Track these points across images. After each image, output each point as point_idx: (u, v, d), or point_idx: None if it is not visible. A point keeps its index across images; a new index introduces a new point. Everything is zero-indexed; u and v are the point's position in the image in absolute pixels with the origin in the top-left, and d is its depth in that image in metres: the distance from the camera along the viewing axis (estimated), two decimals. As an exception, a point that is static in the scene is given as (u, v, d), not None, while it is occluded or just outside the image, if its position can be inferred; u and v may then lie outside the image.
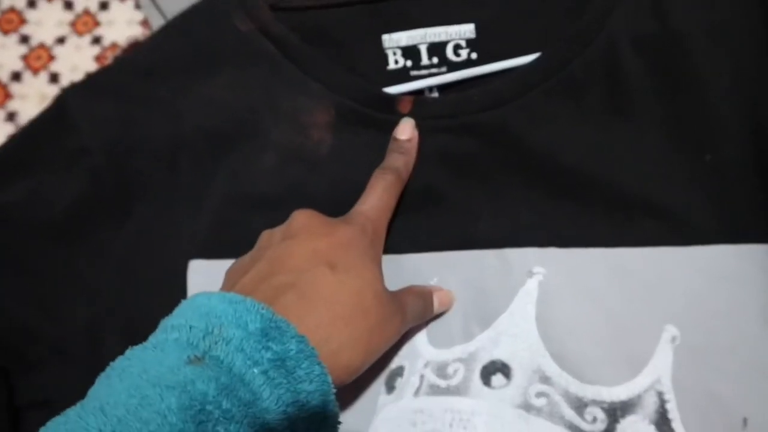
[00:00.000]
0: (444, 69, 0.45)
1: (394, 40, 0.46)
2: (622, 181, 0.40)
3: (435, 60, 0.45)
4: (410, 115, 0.43)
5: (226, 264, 0.41)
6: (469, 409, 0.37)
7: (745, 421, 0.35)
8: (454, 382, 0.38)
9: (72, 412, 0.27)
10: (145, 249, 0.44)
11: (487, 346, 0.39)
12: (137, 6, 0.57)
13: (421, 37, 0.45)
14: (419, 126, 0.43)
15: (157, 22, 0.56)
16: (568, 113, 0.42)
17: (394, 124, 0.43)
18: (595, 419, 0.36)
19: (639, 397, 0.36)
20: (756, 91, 0.40)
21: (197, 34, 0.47)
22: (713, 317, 0.37)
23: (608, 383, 0.37)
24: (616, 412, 0.36)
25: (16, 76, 0.56)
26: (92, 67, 0.56)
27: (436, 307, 0.40)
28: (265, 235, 0.38)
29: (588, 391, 0.37)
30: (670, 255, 0.39)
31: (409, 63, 0.46)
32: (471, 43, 0.45)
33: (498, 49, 0.45)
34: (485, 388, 0.38)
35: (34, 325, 0.44)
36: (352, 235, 0.36)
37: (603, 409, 0.36)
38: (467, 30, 0.45)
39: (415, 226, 0.42)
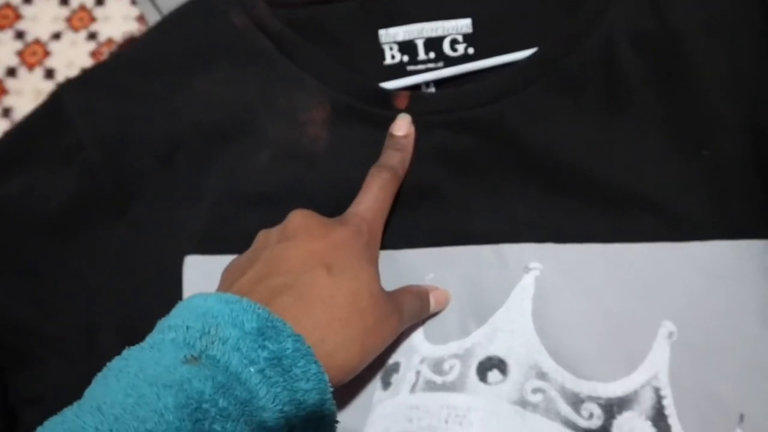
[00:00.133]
0: (441, 64, 0.45)
1: (390, 35, 0.46)
2: (620, 177, 0.40)
3: (432, 55, 0.46)
4: (407, 110, 0.43)
5: (221, 260, 0.41)
6: (465, 405, 0.37)
7: (741, 417, 0.36)
8: (450, 378, 0.38)
9: (69, 412, 0.27)
10: (140, 245, 0.44)
11: (484, 342, 0.39)
12: (133, 2, 0.57)
13: (418, 32, 0.45)
14: (416, 121, 0.43)
15: (153, 18, 0.56)
16: (565, 109, 0.42)
17: (391, 119, 0.43)
18: (591, 415, 0.36)
19: (635, 393, 0.36)
20: (753, 88, 0.40)
21: (193, 29, 0.47)
22: (710, 313, 0.37)
23: (605, 379, 0.37)
24: (612, 408, 0.36)
25: (12, 72, 0.56)
26: (88, 62, 0.56)
27: (433, 306, 0.40)
28: (262, 236, 0.38)
29: (584, 387, 0.37)
30: (667, 251, 0.39)
31: (405, 58, 0.46)
32: (468, 38, 0.45)
33: (495, 44, 0.45)
34: (481, 384, 0.38)
35: (29, 321, 0.44)
36: (348, 236, 0.36)
37: (599, 405, 0.36)
38: (464, 25, 0.45)
39: (411, 222, 0.42)
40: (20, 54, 0.57)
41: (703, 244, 0.38)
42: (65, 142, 0.46)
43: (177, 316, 0.31)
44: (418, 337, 0.40)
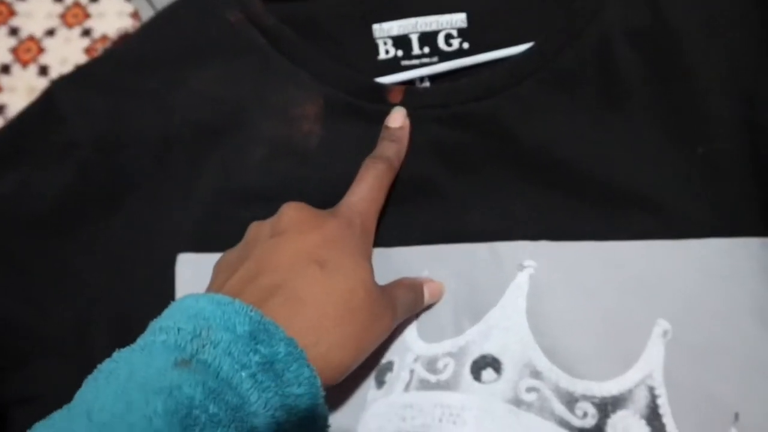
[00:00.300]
0: (435, 59, 0.45)
1: (384, 30, 0.45)
2: (615, 174, 0.40)
3: (426, 50, 0.45)
4: (401, 105, 0.43)
5: (214, 257, 0.41)
6: (459, 404, 0.37)
7: (736, 415, 0.35)
8: (444, 376, 0.38)
9: (58, 416, 0.27)
10: (134, 242, 0.44)
11: (478, 340, 0.39)
12: (127, -3, 0.57)
13: (412, 26, 0.45)
14: (410, 116, 0.43)
15: (148, 14, 0.56)
16: (560, 105, 0.42)
17: (385, 114, 0.43)
18: (585, 414, 0.36)
19: (630, 391, 0.36)
20: (750, 86, 0.40)
21: (187, 25, 0.47)
22: (705, 311, 0.37)
23: (599, 378, 0.37)
24: (606, 407, 0.36)
25: (5, 69, 0.56)
26: (82, 59, 0.56)
27: (427, 298, 0.40)
28: (254, 228, 0.38)
29: (578, 386, 0.37)
30: (662, 249, 0.39)
31: (399, 53, 0.46)
32: (462, 33, 0.45)
33: (490, 39, 0.44)
34: (475, 383, 0.38)
35: (21, 319, 0.44)
36: (341, 229, 0.36)
37: (593, 404, 0.36)
38: (459, 19, 0.45)
39: (405, 219, 0.42)
40: (14, 51, 0.57)
41: (699, 242, 0.38)
42: (58, 139, 0.46)
43: (169, 317, 0.31)
44: (412, 335, 0.40)
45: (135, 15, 0.57)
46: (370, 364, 0.40)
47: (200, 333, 0.30)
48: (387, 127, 0.42)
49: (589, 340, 0.37)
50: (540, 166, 0.41)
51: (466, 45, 0.45)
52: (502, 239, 0.40)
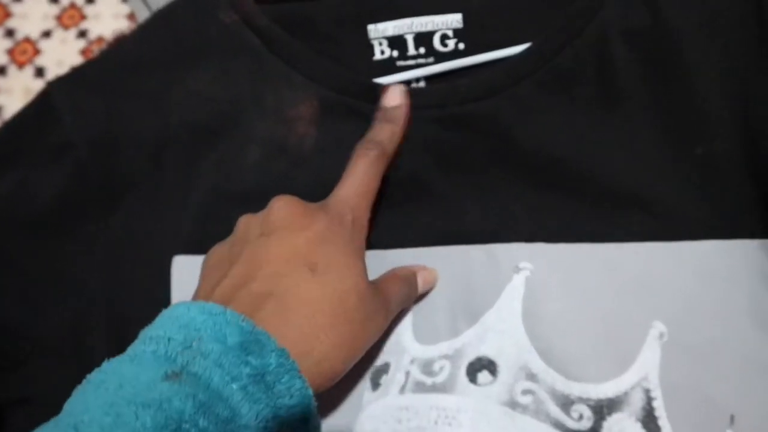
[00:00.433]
0: (431, 59, 0.45)
1: (380, 31, 0.45)
2: (612, 175, 0.40)
3: (422, 50, 0.45)
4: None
5: (198, 260, 0.41)
6: (455, 406, 0.37)
7: (732, 418, 0.35)
8: (439, 379, 0.38)
9: (46, 429, 0.27)
10: (130, 244, 0.44)
11: (474, 343, 0.39)
12: (123, -1, 0.57)
13: (408, 26, 0.45)
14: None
15: (143, 16, 0.56)
16: (558, 105, 0.42)
17: None
18: (581, 417, 0.36)
19: (626, 394, 0.36)
20: (747, 87, 0.40)
21: (182, 26, 0.47)
22: (702, 313, 0.37)
23: (595, 380, 0.37)
24: (602, 409, 0.36)
25: (1, 71, 0.57)
26: (78, 61, 0.56)
27: (421, 287, 0.39)
28: (243, 223, 0.37)
29: (574, 389, 0.36)
30: (659, 250, 0.38)
31: (395, 53, 0.46)
32: (458, 33, 0.45)
33: (486, 39, 0.44)
34: (471, 385, 0.38)
35: (17, 320, 0.44)
36: (333, 226, 0.35)
37: (589, 406, 0.36)
38: (454, 20, 0.45)
39: (401, 221, 0.42)
40: (10, 52, 0.57)
41: (695, 244, 0.38)
42: (54, 140, 0.46)
43: (159, 326, 0.31)
44: (407, 337, 0.40)
45: (131, 17, 0.57)
46: (365, 366, 0.40)
47: (191, 344, 0.29)
48: (383, 107, 0.40)
49: (585, 342, 0.37)
50: (537, 167, 0.41)
51: (461, 45, 0.45)
52: (498, 241, 0.40)
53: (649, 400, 0.36)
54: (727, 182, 0.39)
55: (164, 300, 0.43)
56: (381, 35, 0.45)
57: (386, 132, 0.40)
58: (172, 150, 0.45)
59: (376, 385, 0.39)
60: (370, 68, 0.45)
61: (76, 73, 0.48)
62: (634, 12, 0.42)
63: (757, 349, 0.36)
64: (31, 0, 0.58)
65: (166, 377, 0.28)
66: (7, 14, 0.58)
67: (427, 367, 0.39)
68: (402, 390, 0.38)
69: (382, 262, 0.41)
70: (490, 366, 0.38)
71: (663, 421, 0.36)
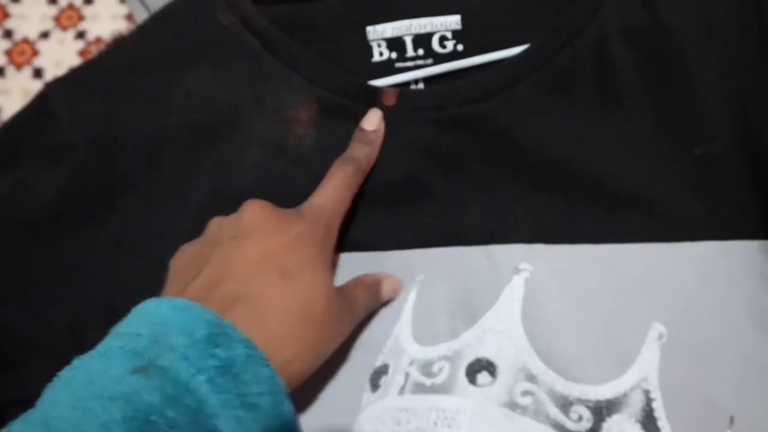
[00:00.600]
0: (430, 61, 0.45)
1: (378, 32, 0.45)
2: (611, 176, 0.40)
3: (420, 52, 0.45)
4: (395, 107, 0.43)
5: None
6: (454, 407, 0.37)
7: (731, 419, 0.35)
8: (439, 380, 0.38)
9: (16, 426, 0.28)
10: (129, 244, 0.44)
11: (473, 344, 0.38)
12: (121, 0, 0.57)
13: (406, 28, 0.45)
14: (405, 118, 0.42)
15: (142, 17, 0.55)
16: (556, 106, 0.42)
17: None
18: (580, 418, 0.36)
19: (625, 395, 0.36)
20: (747, 86, 0.39)
21: (181, 27, 0.47)
22: (701, 314, 0.37)
23: (594, 382, 0.36)
24: (601, 410, 0.36)
25: (0, 71, 0.56)
26: (76, 61, 0.56)
27: (387, 294, 0.40)
28: (215, 225, 0.37)
29: (573, 390, 0.36)
30: (658, 252, 0.38)
31: (394, 55, 0.45)
32: (457, 35, 0.45)
33: (484, 40, 0.44)
34: (470, 387, 0.37)
35: (16, 321, 0.44)
36: (304, 233, 0.36)
37: (588, 407, 0.36)
38: (453, 21, 0.44)
39: (400, 222, 0.42)
40: (8, 53, 0.56)
41: (694, 245, 0.38)
42: (53, 141, 0.46)
43: (128, 322, 0.31)
44: (406, 338, 0.40)
45: (129, 17, 0.56)
46: (365, 368, 0.39)
47: (158, 339, 0.30)
48: (361, 129, 0.42)
49: (585, 343, 0.37)
50: (537, 167, 0.41)
51: (460, 47, 0.45)
52: (497, 242, 0.40)
53: (648, 401, 0.36)
54: (727, 183, 0.39)
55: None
56: (380, 37, 0.45)
57: (363, 151, 0.41)
58: (171, 150, 0.45)
59: (375, 386, 0.39)
60: (368, 70, 0.45)
61: (74, 74, 0.48)
62: (633, 12, 0.42)
63: (756, 349, 0.36)
64: (29, 1, 0.57)
65: (134, 371, 0.28)
66: (6, 15, 0.57)
67: (426, 369, 0.38)
68: (401, 391, 0.38)
69: (382, 263, 0.41)
70: (489, 367, 0.37)
71: (662, 422, 0.35)
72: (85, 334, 0.43)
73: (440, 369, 0.38)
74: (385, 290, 0.40)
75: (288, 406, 0.31)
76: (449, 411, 0.37)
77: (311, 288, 0.34)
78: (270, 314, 0.33)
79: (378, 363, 0.40)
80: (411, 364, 0.39)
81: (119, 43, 0.49)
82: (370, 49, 0.45)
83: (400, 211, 0.42)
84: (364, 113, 0.43)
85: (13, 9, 0.57)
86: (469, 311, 0.39)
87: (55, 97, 0.46)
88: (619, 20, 0.42)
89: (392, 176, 0.42)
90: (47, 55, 0.56)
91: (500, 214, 0.41)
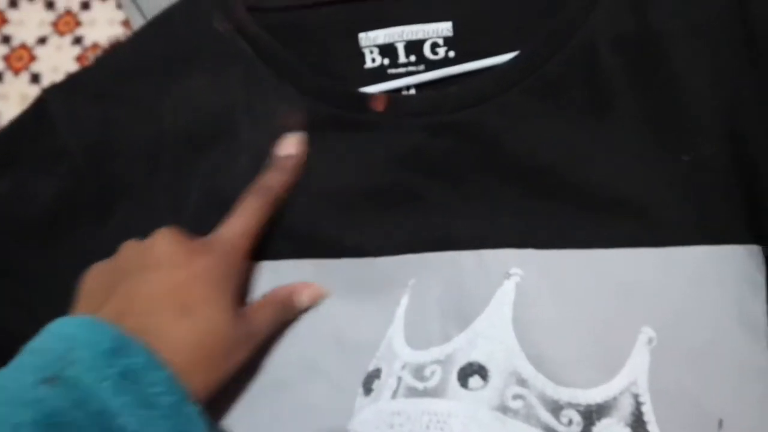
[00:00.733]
0: (422, 67, 0.45)
1: (370, 39, 0.45)
2: (600, 182, 0.39)
3: (412, 58, 0.45)
4: (385, 112, 0.42)
5: None
6: (446, 411, 0.37)
7: (720, 422, 0.35)
8: (431, 384, 0.38)
9: None
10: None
11: (464, 348, 0.38)
12: (118, 6, 0.56)
13: (398, 35, 0.44)
14: (396, 124, 0.42)
15: (138, 22, 0.55)
16: (546, 112, 0.41)
17: (368, 123, 0.42)
18: (570, 422, 0.35)
19: (615, 399, 0.36)
20: (735, 92, 0.39)
21: (177, 35, 0.46)
22: (691, 319, 0.37)
23: (584, 386, 0.36)
24: (591, 414, 0.35)
25: (-3, 77, 0.56)
26: (73, 67, 0.55)
27: (305, 303, 0.40)
28: (126, 249, 0.39)
29: (563, 394, 0.36)
30: (647, 256, 0.38)
31: (386, 61, 0.45)
32: (448, 41, 0.44)
33: (476, 47, 0.44)
34: (462, 390, 0.37)
35: (12, 323, 0.44)
36: (208, 267, 0.37)
37: (579, 411, 0.36)
38: (444, 28, 0.44)
39: (391, 227, 0.41)
40: (6, 58, 0.56)
41: (683, 250, 0.38)
42: (50, 146, 0.46)
43: (40, 339, 0.34)
44: (399, 342, 0.39)
45: (126, 23, 0.56)
46: (358, 372, 0.39)
47: (65, 353, 0.32)
48: (276, 156, 0.42)
49: (574, 347, 0.37)
50: (527, 174, 0.40)
51: (452, 54, 0.44)
52: (488, 247, 0.39)
53: (638, 405, 0.35)
54: (715, 188, 0.38)
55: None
56: (372, 43, 0.45)
57: (276, 179, 0.41)
58: (166, 157, 0.45)
59: (368, 390, 0.39)
60: (361, 76, 0.45)
61: (71, 80, 0.48)
62: (622, 19, 0.41)
63: (745, 354, 0.36)
64: (27, 6, 0.57)
65: (43, 381, 0.31)
66: (3, 21, 0.57)
67: (418, 373, 0.38)
68: (394, 395, 0.38)
69: (372, 269, 0.40)
70: (480, 371, 0.37)
71: (652, 426, 0.35)
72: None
73: (432, 373, 0.38)
74: (302, 300, 0.40)
75: (191, 407, 0.33)
76: (441, 414, 0.37)
77: (208, 322, 0.36)
78: (167, 349, 0.34)
79: (371, 367, 0.39)
80: (403, 368, 0.38)
81: (116, 49, 0.49)
82: (362, 55, 0.45)
83: (392, 216, 0.41)
84: (353, 120, 0.43)
85: (10, 15, 0.57)
86: (460, 315, 0.39)
87: (53, 103, 0.46)
88: (608, 27, 0.41)
89: (383, 181, 0.42)
90: (45, 60, 0.56)
91: (491, 220, 0.40)
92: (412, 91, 0.45)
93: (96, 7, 0.57)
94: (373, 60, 0.45)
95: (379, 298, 0.40)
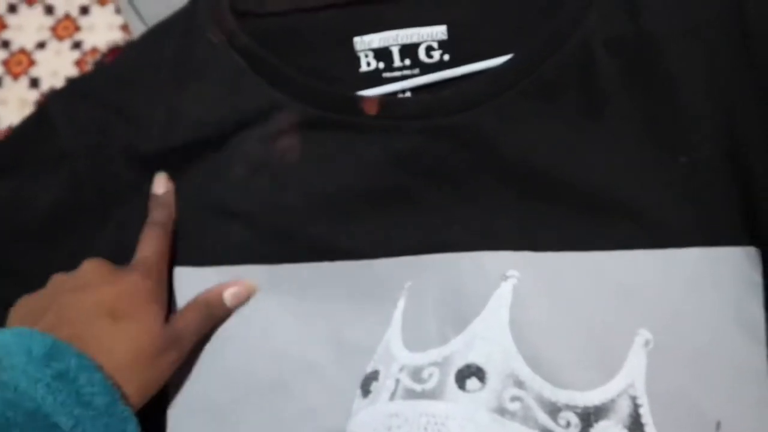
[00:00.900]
0: (416, 71, 0.44)
1: (365, 43, 0.44)
2: (597, 184, 0.39)
3: (407, 62, 0.44)
4: (378, 116, 0.42)
5: (200, 271, 0.42)
6: (444, 413, 0.36)
7: (718, 424, 0.34)
8: (429, 386, 0.37)
9: None
10: (122, 254, 0.43)
11: (462, 350, 0.37)
12: (117, 11, 0.56)
13: (393, 38, 0.44)
14: (390, 127, 0.41)
15: (137, 27, 0.54)
16: (541, 115, 0.40)
17: (362, 125, 0.42)
18: (568, 424, 0.35)
19: (612, 401, 0.35)
20: (731, 93, 0.38)
21: (174, 45, 0.46)
22: (688, 321, 0.36)
23: (581, 388, 0.35)
24: (589, 416, 0.35)
25: (-3, 82, 0.55)
26: (72, 72, 0.55)
27: (233, 301, 0.41)
28: (57, 280, 0.40)
29: (561, 396, 0.35)
30: (644, 258, 0.37)
31: (381, 65, 0.44)
32: (443, 45, 0.44)
33: (470, 50, 0.43)
34: (460, 392, 0.36)
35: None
36: (136, 280, 0.39)
37: (576, 413, 0.35)
38: (439, 31, 0.44)
39: (387, 230, 0.41)
40: (5, 63, 0.55)
41: (680, 252, 0.37)
42: (51, 150, 0.46)
43: None
44: (396, 344, 0.39)
45: (125, 28, 0.55)
46: (356, 374, 0.39)
47: (1, 360, 0.33)
48: (153, 195, 0.44)
49: (572, 350, 0.36)
50: (522, 176, 0.40)
51: (446, 57, 0.44)
52: (485, 249, 0.39)
53: (635, 407, 0.35)
54: (712, 189, 0.38)
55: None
56: (367, 47, 0.44)
57: (163, 214, 0.43)
58: (162, 165, 0.44)
59: (366, 392, 0.38)
60: (356, 80, 0.44)
61: (72, 86, 0.48)
62: (617, 21, 0.41)
63: (742, 355, 0.35)
64: (26, 11, 0.56)
65: None
66: (3, 25, 0.56)
67: (416, 374, 0.37)
68: (392, 397, 0.37)
69: (369, 271, 0.40)
70: (478, 373, 0.37)
71: (649, 428, 0.34)
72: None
73: (430, 375, 0.37)
74: (228, 298, 0.41)
75: (123, 407, 0.34)
76: (439, 416, 0.36)
77: (138, 328, 0.37)
78: (100, 352, 0.35)
79: (369, 369, 0.39)
80: (401, 370, 0.38)
81: (116, 57, 0.49)
82: (357, 59, 0.44)
83: (387, 219, 0.41)
84: (345, 123, 0.42)
85: (9, 20, 0.56)
86: (458, 317, 0.38)
87: (54, 109, 0.46)
88: (603, 29, 0.41)
89: (379, 185, 0.41)
90: (44, 65, 0.55)
91: (487, 222, 0.40)
92: (408, 95, 0.44)
93: (95, 12, 0.56)
94: (368, 64, 0.44)
95: (376, 301, 0.40)
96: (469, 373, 0.37)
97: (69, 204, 0.45)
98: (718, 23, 0.39)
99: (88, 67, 0.54)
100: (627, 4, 0.41)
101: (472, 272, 0.39)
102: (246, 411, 0.39)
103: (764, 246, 0.37)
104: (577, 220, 0.38)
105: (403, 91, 0.44)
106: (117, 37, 0.55)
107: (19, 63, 0.55)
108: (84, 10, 0.56)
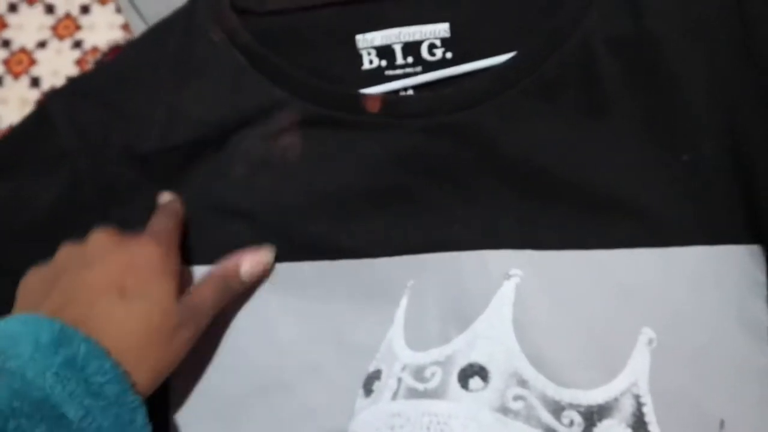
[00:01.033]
0: (419, 68, 0.43)
1: (368, 40, 0.44)
2: (599, 183, 0.38)
3: (410, 59, 0.43)
4: (380, 114, 0.41)
5: (201, 270, 0.41)
6: (447, 412, 0.36)
7: (722, 423, 0.34)
8: (431, 385, 0.36)
9: None
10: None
11: (464, 349, 0.37)
12: (118, 10, 0.55)
13: (396, 36, 0.43)
14: (393, 125, 0.41)
15: (138, 26, 0.54)
16: (543, 113, 0.40)
17: (364, 123, 0.41)
18: (572, 423, 0.34)
19: (616, 400, 0.34)
20: (733, 91, 0.38)
21: (175, 43, 0.46)
22: (691, 319, 0.36)
23: (585, 386, 0.35)
24: (593, 415, 0.34)
25: (-3, 81, 0.54)
26: (73, 71, 0.54)
27: (249, 274, 0.40)
28: (64, 252, 0.39)
29: (565, 395, 0.35)
30: (646, 257, 0.37)
31: (383, 63, 0.44)
32: (446, 43, 0.43)
33: (473, 48, 0.43)
34: (463, 392, 0.36)
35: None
36: (147, 250, 0.37)
37: (580, 412, 0.34)
38: (442, 29, 0.43)
39: (389, 229, 0.40)
40: (6, 62, 0.55)
41: (683, 250, 0.36)
42: (52, 149, 0.45)
43: None
44: (399, 344, 0.38)
45: (125, 27, 0.55)
46: (358, 373, 0.38)
47: (6, 349, 0.32)
48: (160, 204, 0.43)
49: (575, 348, 0.36)
50: (524, 175, 0.39)
51: (449, 54, 0.43)
52: (487, 248, 0.38)
53: (639, 406, 0.34)
54: (714, 188, 0.37)
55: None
56: (369, 45, 0.43)
57: (171, 222, 0.41)
58: (162, 164, 0.44)
59: (368, 391, 0.38)
60: (358, 78, 0.43)
61: (72, 85, 0.47)
62: (618, 20, 0.40)
63: (745, 354, 0.35)
64: (26, 10, 0.56)
65: None
66: (3, 25, 0.55)
67: (418, 374, 0.37)
68: (394, 396, 0.37)
69: (371, 270, 0.39)
70: (481, 372, 0.36)
71: (653, 427, 0.34)
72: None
73: (433, 374, 0.37)
74: (245, 270, 0.40)
75: (133, 396, 0.33)
76: (442, 416, 0.36)
77: (149, 305, 0.35)
78: (109, 334, 0.34)
79: (371, 368, 0.38)
80: (404, 369, 0.37)
81: (116, 56, 0.48)
82: (360, 57, 0.44)
83: (389, 218, 0.40)
84: (347, 121, 0.41)
85: (10, 19, 0.56)
86: (460, 316, 0.38)
87: (54, 108, 0.46)
88: (604, 28, 0.40)
89: (381, 183, 0.40)
90: (44, 64, 0.54)
91: (489, 221, 0.39)
92: (410, 92, 0.44)
93: (95, 11, 0.55)
94: (371, 62, 0.44)
95: (377, 300, 0.39)
96: (472, 372, 0.36)
97: (69, 203, 0.44)
98: (719, 22, 0.39)
99: (89, 66, 0.54)
100: (627, 3, 0.40)
101: (474, 271, 0.38)
102: (247, 410, 0.39)
103: (767, 244, 0.37)
104: (579, 218, 0.38)
105: (405, 89, 0.44)
106: (118, 36, 0.55)
107: (20, 62, 0.55)
108: (84, 9, 0.55)
